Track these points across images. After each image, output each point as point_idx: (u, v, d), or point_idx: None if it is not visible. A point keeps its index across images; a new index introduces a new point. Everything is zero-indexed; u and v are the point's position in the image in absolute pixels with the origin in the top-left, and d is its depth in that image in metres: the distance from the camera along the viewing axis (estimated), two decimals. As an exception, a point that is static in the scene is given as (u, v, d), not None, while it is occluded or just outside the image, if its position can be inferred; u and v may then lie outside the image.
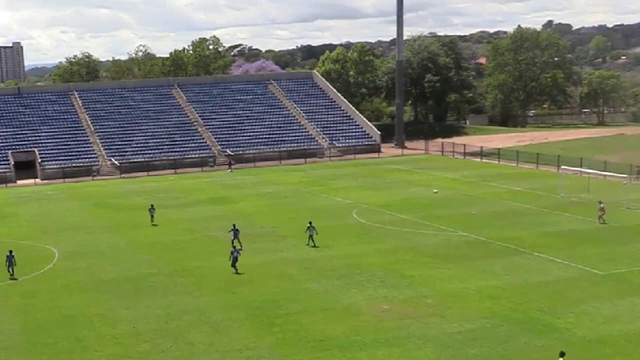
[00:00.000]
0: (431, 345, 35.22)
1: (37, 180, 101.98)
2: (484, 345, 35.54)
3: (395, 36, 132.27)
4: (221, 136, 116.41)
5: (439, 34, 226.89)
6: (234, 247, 52.04)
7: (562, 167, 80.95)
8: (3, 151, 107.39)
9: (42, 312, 42.92)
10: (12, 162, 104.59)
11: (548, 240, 54.71)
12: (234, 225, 56.62)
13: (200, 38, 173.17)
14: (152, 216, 66.70)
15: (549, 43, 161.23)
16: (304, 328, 38.41)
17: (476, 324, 38.22)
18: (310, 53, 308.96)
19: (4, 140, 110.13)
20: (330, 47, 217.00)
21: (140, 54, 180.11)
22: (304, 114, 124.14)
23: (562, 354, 31.92)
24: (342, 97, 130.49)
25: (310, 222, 56.75)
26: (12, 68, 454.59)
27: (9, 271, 50.33)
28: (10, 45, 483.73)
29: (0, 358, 35.92)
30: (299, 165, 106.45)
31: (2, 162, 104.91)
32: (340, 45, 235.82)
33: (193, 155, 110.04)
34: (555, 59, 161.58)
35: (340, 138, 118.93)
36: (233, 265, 49.17)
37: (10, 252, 50.83)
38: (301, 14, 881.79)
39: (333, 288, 45.07)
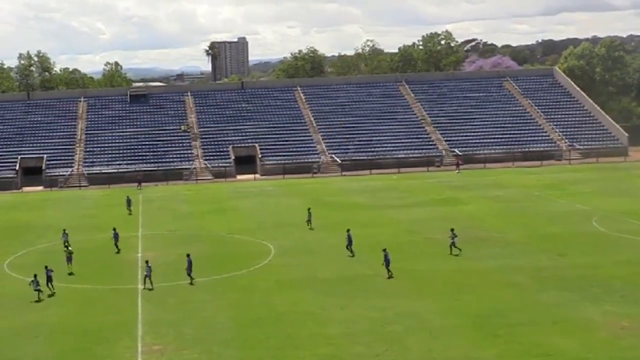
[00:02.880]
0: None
1: (257, 175, 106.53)
2: None
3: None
4: (449, 135, 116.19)
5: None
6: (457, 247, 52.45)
7: None
8: (224, 146, 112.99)
9: (255, 307, 44.68)
10: (233, 157, 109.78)
11: None
12: (452, 230, 56.41)
13: (431, 32, 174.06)
14: None
15: None
16: (530, 340, 37.43)
17: None
18: (552, 48, 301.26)
19: (225, 135, 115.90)
20: (575, 41, 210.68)
21: (367, 49, 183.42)
22: (542, 114, 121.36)
23: None
24: (585, 96, 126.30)
25: (452, 229, 55.99)
26: (237, 63, 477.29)
27: (117, 245, 59.78)
28: (236, 40, 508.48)
29: (213, 351, 37.71)
30: (533, 167, 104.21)
31: (223, 157, 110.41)
32: (586, 39, 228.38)
33: (418, 154, 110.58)
34: None
35: (582, 140, 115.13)
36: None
37: (114, 229, 60.64)
38: (544, 7, 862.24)
39: (564, 300, 43.64)
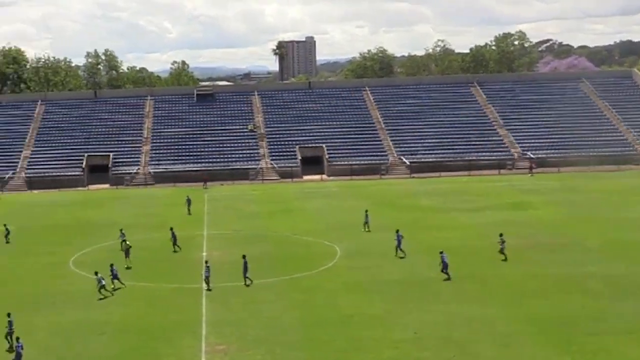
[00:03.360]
0: None
1: (324, 176, 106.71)
2: None
3: None
4: (522, 138, 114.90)
5: None
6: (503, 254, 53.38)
7: None
8: (291, 145, 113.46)
9: (320, 309, 44.77)
10: (299, 157, 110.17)
11: None
12: (500, 235, 55.99)
13: (504, 33, 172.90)
14: None
15: None
16: (606, 350, 36.77)
17: None
18: (630, 49, 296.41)
19: (291, 135, 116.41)
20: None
21: (438, 49, 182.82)
22: (619, 116, 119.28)
23: None
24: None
25: (500, 235, 55.71)
26: (304, 63, 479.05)
27: (176, 245, 60.79)
28: (304, 39, 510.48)
29: (276, 352, 37.86)
30: (610, 172, 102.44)
31: (290, 157, 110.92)
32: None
33: (490, 157, 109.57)
34: None
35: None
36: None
37: (171, 229, 61.32)
38: (621, 6, 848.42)
39: (641, 309, 42.85)
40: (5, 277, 55.11)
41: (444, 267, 49.96)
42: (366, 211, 68.35)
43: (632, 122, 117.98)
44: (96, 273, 48.40)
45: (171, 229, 62.16)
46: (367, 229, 66.87)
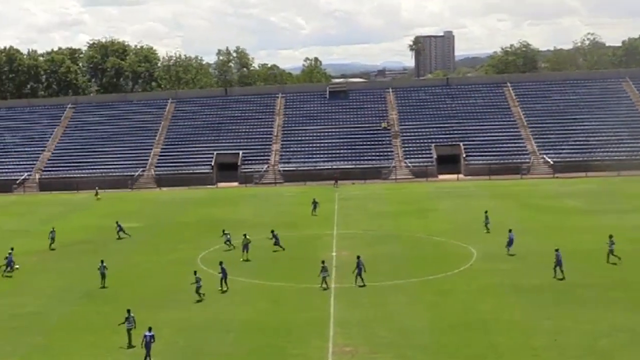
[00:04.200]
0: None
1: (460, 175, 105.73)
2: None
3: None
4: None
5: None
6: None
7: None
8: (426, 144, 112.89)
9: (455, 312, 44.34)
10: (435, 156, 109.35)
11: None
12: (610, 237, 54.42)
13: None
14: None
15: None
16: None
17: None
18: None
19: (427, 133, 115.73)
20: None
21: (587, 42, 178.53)
22: None
23: None
24: None
25: (610, 236, 53.76)
26: (442, 58, 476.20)
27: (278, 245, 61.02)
28: (442, 34, 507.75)
29: (407, 355, 37.65)
30: None
31: (424, 156, 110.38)
32: None
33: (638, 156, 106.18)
34: None
35: None
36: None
37: (243, 236, 59.64)
38: None
39: None
40: (133, 274, 56.88)
41: (559, 264, 49.91)
42: (485, 212, 67.66)
43: None
44: (195, 272, 49.36)
45: (272, 231, 63.45)
46: (487, 230, 66.15)
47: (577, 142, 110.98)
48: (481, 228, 66.76)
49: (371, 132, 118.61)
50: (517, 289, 48.65)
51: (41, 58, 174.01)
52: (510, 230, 58.51)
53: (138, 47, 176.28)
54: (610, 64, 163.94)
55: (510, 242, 57.74)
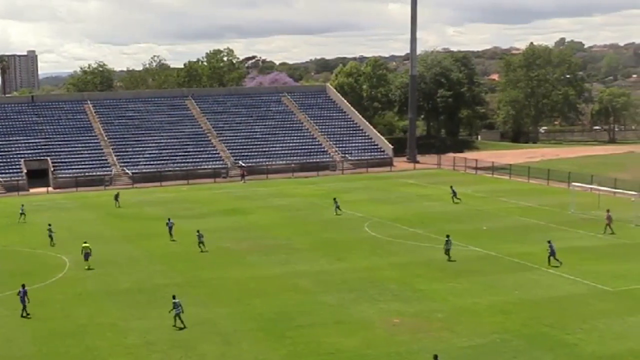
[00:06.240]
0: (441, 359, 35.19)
1: (50, 188, 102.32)
2: (494, 360, 35.61)
3: (409, 51, 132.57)
4: (234, 147, 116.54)
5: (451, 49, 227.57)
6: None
7: (573, 183, 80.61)
8: (16, 159, 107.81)
9: (53, 321, 43.11)
10: (25, 171, 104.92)
11: (558, 256, 54.31)
12: (447, 236, 56.26)
13: (214, 49, 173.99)
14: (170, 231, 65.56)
15: (561, 60, 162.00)
16: (316, 341, 38.47)
17: (486, 339, 38.25)
18: (324, 66, 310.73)
19: (17, 149, 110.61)
20: (344, 60, 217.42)
21: (154, 64, 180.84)
22: (317, 127, 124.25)
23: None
24: (355, 111, 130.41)
25: (447, 235, 56.51)
26: (27, 77, 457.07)
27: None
28: (25, 54, 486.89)
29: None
30: (311, 177, 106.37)
31: (15, 170, 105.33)
32: (354, 59, 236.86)
33: (206, 167, 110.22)
34: (567, 76, 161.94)
35: (353, 151, 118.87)
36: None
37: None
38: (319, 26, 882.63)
39: (345, 301, 45.13)
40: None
41: (551, 254, 52.57)
42: (49, 225, 64.81)
43: (327, 132, 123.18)
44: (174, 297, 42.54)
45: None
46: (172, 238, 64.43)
47: (152, 155, 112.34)
48: (85, 237, 65.23)
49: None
50: (110, 293, 48.44)
51: None
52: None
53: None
54: (176, 84, 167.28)
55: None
